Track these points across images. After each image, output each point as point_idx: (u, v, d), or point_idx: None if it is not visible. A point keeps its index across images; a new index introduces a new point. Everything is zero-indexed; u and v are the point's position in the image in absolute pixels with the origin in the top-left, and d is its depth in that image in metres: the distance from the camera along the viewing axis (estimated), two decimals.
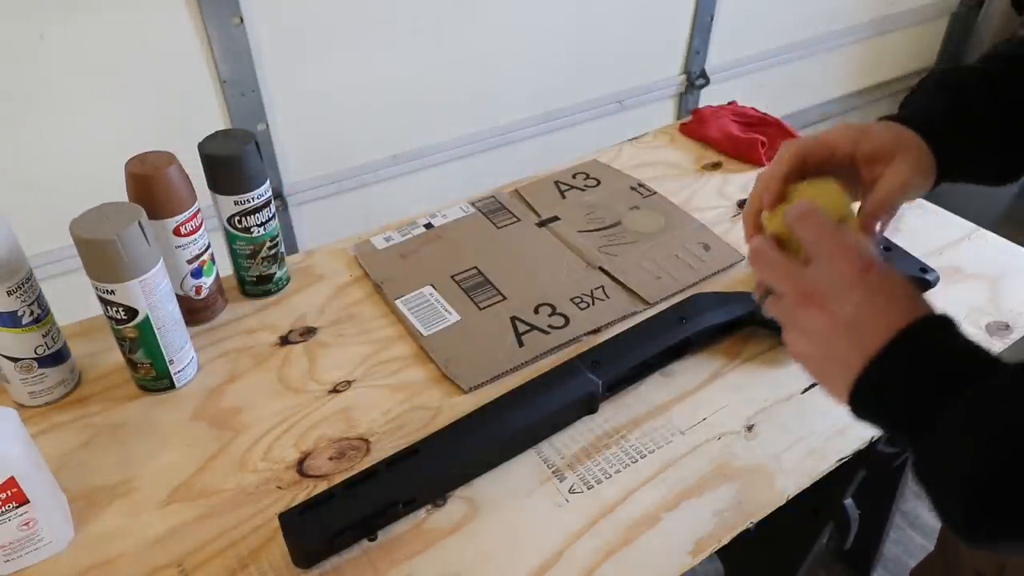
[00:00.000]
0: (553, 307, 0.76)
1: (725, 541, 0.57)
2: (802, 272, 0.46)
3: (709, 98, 1.82)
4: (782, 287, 0.48)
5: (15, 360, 0.64)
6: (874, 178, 0.55)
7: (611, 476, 0.61)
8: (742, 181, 0.98)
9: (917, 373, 0.41)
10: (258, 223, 0.74)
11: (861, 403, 0.44)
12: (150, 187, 0.66)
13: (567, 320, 0.75)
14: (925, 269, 0.79)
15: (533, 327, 0.74)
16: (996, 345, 0.72)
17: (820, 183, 0.54)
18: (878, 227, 0.55)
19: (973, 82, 0.56)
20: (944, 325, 0.42)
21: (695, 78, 1.78)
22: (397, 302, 0.77)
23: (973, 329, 0.74)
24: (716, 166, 1.01)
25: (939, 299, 0.78)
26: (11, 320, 0.61)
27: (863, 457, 0.65)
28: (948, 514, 0.40)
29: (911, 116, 0.56)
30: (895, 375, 0.42)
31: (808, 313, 0.45)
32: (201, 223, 0.71)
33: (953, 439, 0.39)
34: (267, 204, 0.74)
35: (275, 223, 0.76)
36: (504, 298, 0.78)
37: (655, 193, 0.94)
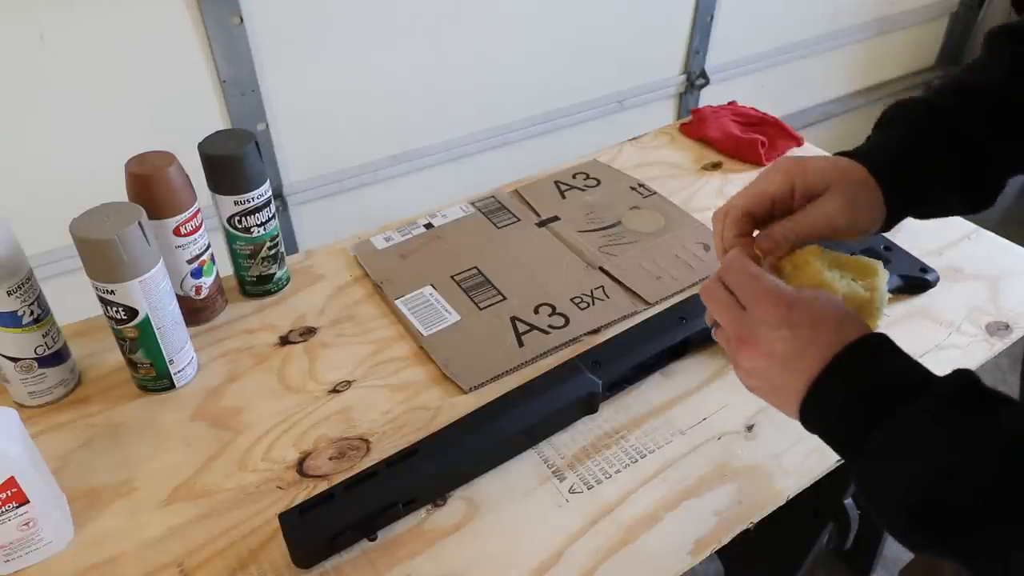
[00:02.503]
0: (553, 307, 0.76)
1: (725, 541, 0.57)
2: (740, 315, 0.49)
3: (709, 98, 1.82)
4: (725, 326, 0.51)
5: (15, 360, 0.63)
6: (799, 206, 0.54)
7: (611, 476, 0.61)
8: (742, 181, 0.98)
9: (846, 400, 0.44)
10: (258, 223, 0.74)
11: (809, 426, 0.47)
12: (150, 187, 0.66)
13: (567, 320, 0.75)
14: (925, 269, 0.79)
15: (533, 327, 0.74)
16: (996, 345, 0.72)
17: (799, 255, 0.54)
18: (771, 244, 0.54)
19: (921, 117, 0.55)
20: (870, 350, 0.44)
21: (695, 78, 1.78)
22: (397, 302, 0.77)
23: (973, 329, 0.74)
24: (716, 166, 1.01)
25: (939, 299, 0.78)
26: (11, 320, 0.61)
27: None
28: (890, 529, 0.42)
29: (863, 151, 0.55)
30: (829, 401, 0.45)
31: (746, 353, 0.49)
32: (201, 223, 0.71)
33: (879, 462, 0.42)
34: (267, 204, 0.74)
35: (275, 223, 0.76)
36: (504, 298, 0.78)
37: (655, 193, 0.94)
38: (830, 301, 0.47)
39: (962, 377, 0.41)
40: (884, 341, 0.45)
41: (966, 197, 0.56)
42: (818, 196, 0.53)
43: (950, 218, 0.90)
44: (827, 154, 0.59)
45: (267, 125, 1.27)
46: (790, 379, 0.46)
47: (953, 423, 0.40)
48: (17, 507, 0.52)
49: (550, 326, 0.74)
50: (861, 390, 0.43)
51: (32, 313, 0.62)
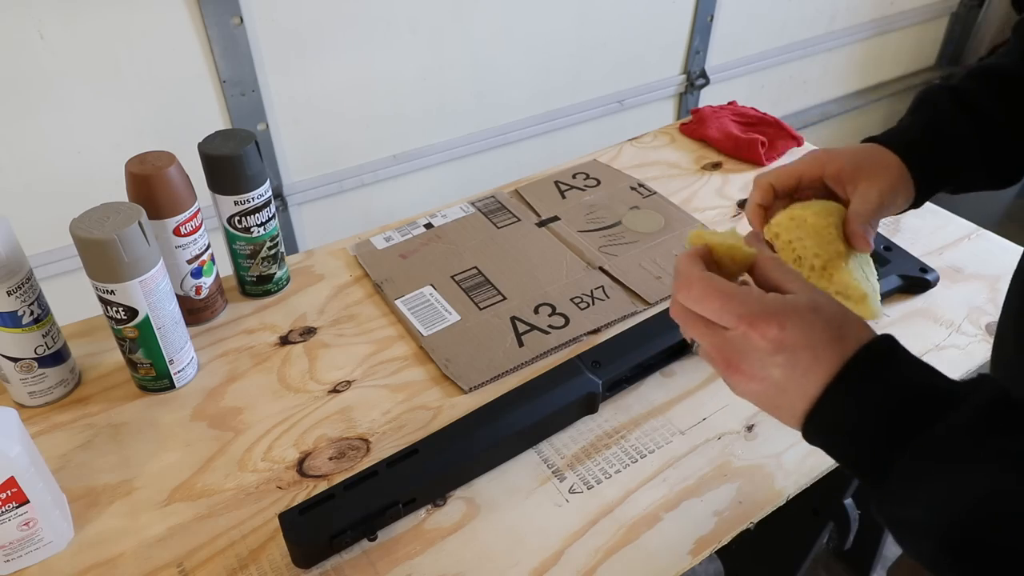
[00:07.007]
0: (553, 307, 0.76)
1: (725, 541, 0.57)
2: (722, 337, 0.43)
3: (709, 98, 1.82)
4: (707, 349, 0.45)
5: (15, 360, 0.63)
6: (847, 196, 0.56)
7: (611, 476, 0.61)
8: (742, 181, 0.98)
9: (860, 419, 0.39)
10: (258, 223, 0.74)
11: (813, 442, 0.42)
12: (150, 187, 0.66)
13: (567, 320, 0.75)
14: (925, 269, 0.79)
15: (533, 327, 0.74)
16: None
17: (811, 204, 0.55)
18: (868, 237, 0.54)
19: (943, 99, 0.58)
20: (877, 360, 0.40)
21: (695, 78, 1.78)
22: (397, 302, 0.77)
23: (973, 329, 0.74)
24: (716, 166, 1.01)
25: (939, 299, 0.78)
26: (11, 320, 0.61)
27: None
28: (916, 556, 0.39)
29: (887, 135, 0.58)
30: (838, 420, 0.40)
31: (737, 379, 0.43)
32: (201, 223, 0.71)
33: (907, 486, 0.37)
34: (267, 204, 0.74)
35: (275, 223, 0.76)
36: (504, 298, 0.78)
37: (655, 193, 0.94)
38: (821, 307, 0.41)
39: (992, 388, 0.37)
40: (891, 347, 0.40)
41: (991, 172, 0.58)
42: (848, 180, 0.55)
43: (950, 218, 0.90)
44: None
45: (267, 125, 1.27)
46: (790, 399, 0.41)
47: (993, 442, 0.35)
48: (17, 507, 0.52)
49: (550, 326, 0.74)
50: (876, 408, 0.38)
51: (32, 313, 0.62)
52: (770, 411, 0.44)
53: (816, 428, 0.41)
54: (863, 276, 0.53)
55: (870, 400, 0.39)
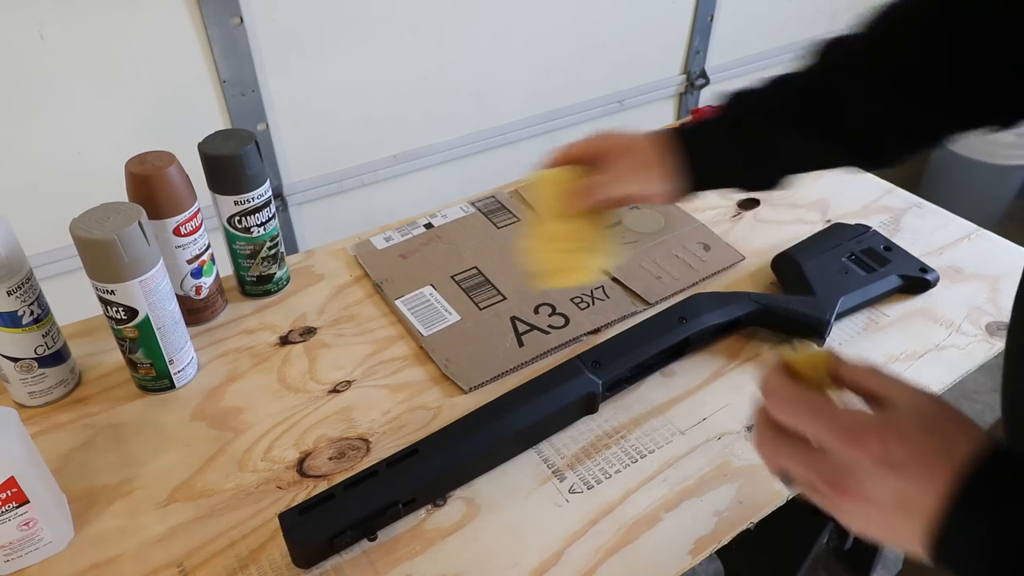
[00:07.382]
0: (553, 307, 0.76)
1: (725, 541, 0.57)
2: (820, 460, 0.40)
3: (709, 98, 1.82)
4: (807, 476, 0.41)
5: (15, 360, 0.64)
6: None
7: (611, 476, 0.61)
8: None
9: (996, 543, 0.36)
10: (258, 223, 0.74)
11: (945, 567, 0.38)
12: (150, 187, 0.66)
13: (567, 320, 0.75)
14: (925, 269, 0.79)
15: (533, 327, 0.74)
16: (996, 345, 0.72)
17: (575, 168, 0.62)
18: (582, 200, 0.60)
19: (736, 101, 0.61)
20: (1001, 467, 0.37)
21: (695, 78, 1.78)
22: (397, 302, 0.77)
23: (973, 329, 0.74)
24: None
25: (939, 299, 0.78)
26: (11, 320, 0.61)
27: None
28: None
29: (676, 127, 0.63)
30: (965, 544, 0.37)
31: (849, 504, 0.39)
32: (201, 223, 0.71)
33: None
34: (267, 204, 0.74)
35: (275, 223, 0.76)
36: (504, 298, 0.78)
37: None
38: (923, 413, 0.39)
39: None
40: (1007, 454, 0.37)
41: (749, 181, 0.62)
42: (612, 157, 0.61)
43: (950, 218, 0.90)
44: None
45: (267, 125, 1.27)
46: (910, 521, 0.38)
47: None
48: (17, 507, 0.52)
49: (550, 326, 0.74)
50: (1012, 530, 0.35)
51: (32, 313, 0.62)
52: (887, 536, 0.40)
53: (948, 554, 0.37)
54: (597, 236, 0.61)
55: (1002, 523, 0.35)
